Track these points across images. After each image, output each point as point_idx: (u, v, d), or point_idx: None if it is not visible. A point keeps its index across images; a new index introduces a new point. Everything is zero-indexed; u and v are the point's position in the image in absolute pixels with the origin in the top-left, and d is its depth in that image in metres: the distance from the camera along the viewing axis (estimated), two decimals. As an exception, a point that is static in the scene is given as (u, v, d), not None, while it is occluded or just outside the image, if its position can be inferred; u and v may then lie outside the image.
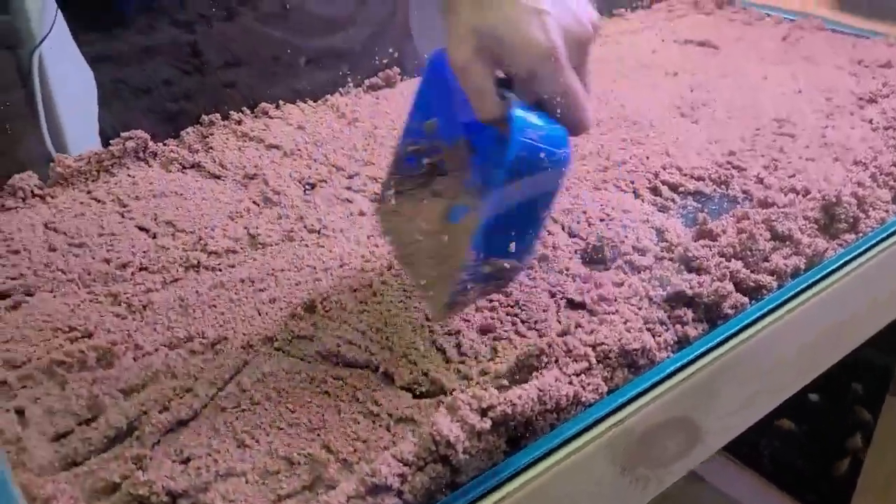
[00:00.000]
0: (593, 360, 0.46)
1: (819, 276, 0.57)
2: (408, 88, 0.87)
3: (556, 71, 0.43)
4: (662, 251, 0.58)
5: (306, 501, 0.40)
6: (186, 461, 0.42)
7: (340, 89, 0.85)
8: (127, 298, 0.55)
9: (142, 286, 0.57)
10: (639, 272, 0.56)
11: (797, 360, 0.59)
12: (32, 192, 0.68)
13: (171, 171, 0.72)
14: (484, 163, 0.46)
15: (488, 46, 0.43)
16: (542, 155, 0.43)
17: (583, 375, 0.46)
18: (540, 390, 0.43)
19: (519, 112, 0.43)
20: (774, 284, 0.55)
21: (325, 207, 0.66)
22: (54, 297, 0.56)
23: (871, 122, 0.77)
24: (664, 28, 1.06)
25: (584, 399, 0.45)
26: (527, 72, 0.43)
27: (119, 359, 0.49)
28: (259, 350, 0.50)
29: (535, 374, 0.45)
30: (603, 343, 0.47)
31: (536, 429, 0.43)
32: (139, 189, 0.69)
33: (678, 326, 0.51)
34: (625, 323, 0.50)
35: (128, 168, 0.72)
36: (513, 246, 0.46)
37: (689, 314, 0.51)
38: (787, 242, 0.57)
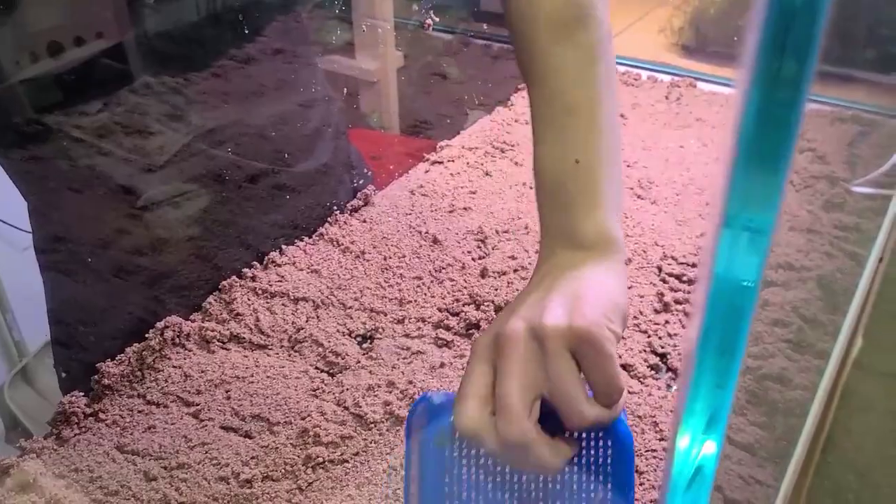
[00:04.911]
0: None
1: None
2: (386, 201, 0.89)
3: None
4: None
5: None
6: None
7: (328, 219, 0.84)
8: (279, 519, 0.54)
9: (283, 499, 0.56)
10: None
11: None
12: (84, 412, 0.62)
13: (213, 352, 0.69)
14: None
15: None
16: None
17: None
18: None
19: None
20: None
21: (402, 364, 0.67)
22: (200, 538, 0.53)
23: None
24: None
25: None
26: None
27: None
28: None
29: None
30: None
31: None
32: (195, 382, 0.65)
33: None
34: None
35: (170, 359, 0.67)
36: None
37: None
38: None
